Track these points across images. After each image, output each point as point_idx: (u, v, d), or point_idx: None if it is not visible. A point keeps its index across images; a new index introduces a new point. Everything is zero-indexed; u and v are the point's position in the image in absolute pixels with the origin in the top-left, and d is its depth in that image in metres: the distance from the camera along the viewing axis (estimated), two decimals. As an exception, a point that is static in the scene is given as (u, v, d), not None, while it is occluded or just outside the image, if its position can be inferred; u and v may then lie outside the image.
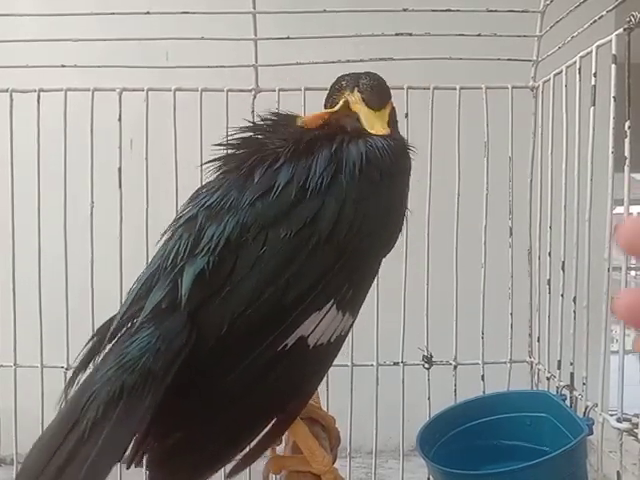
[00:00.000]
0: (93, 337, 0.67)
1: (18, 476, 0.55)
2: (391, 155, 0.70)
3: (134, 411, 0.55)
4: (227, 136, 0.79)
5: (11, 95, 1.21)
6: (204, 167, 0.77)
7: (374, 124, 0.74)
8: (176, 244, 0.64)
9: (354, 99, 0.77)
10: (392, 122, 0.81)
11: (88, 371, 0.62)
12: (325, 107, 0.82)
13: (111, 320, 0.67)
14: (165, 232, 0.70)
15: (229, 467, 0.68)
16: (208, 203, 0.66)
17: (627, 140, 0.83)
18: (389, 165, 0.70)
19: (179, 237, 0.65)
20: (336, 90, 0.80)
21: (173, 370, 0.58)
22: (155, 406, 0.56)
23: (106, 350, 0.62)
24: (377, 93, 0.79)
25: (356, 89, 0.78)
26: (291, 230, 0.62)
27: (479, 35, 1.21)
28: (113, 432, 0.53)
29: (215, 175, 0.74)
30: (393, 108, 0.83)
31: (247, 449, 0.67)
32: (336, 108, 0.77)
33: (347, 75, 0.81)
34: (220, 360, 0.61)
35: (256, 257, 0.61)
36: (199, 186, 0.75)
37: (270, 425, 0.66)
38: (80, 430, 0.54)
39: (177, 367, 0.58)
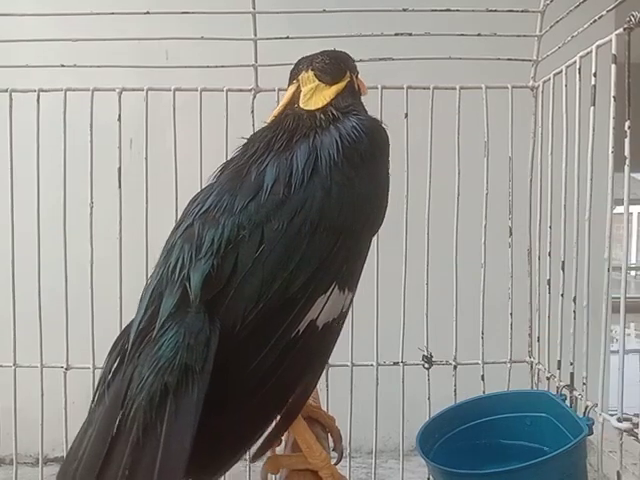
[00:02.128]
0: (113, 349, 0.67)
1: None
2: (364, 134, 0.73)
3: (186, 407, 0.56)
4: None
5: (11, 95, 1.21)
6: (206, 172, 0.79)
7: (310, 99, 0.79)
8: (179, 254, 0.66)
9: (307, 76, 0.82)
10: (347, 95, 0.82)
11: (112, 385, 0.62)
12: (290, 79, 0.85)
13: (125, 331, 0.68)
14: (166, 242, 0.71)
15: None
16: (203, 210, 0.69)
17: (627, 140, 0.83)
18: (366, 145, 0.72)
19: (180, 248, 0.66)
20: (295, 72, 0.84)
21: (210, 361, 0.59)
22: (203, 399, 0.56)
23: (122, 361, 0.63)
24: (329, 68, 0.82)
25: (310, 67, 0.82)
26: (283, 222, 0.65)
27: (479, 35, 1.21)
28: (171, 432, 0.54)
29: (212, 180, 0.76)
30: (351, 80, 0.84)
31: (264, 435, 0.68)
32: (291, 91, 0.82)
33: (305, 57, 0.85)
34: (238, 354, 0.62)
35: (256, 252, 0.63)
36: (195, 192, 0.76)
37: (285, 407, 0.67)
38: (131, 439, 0.54)
39: (213, 357, 0.59)
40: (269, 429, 0.68)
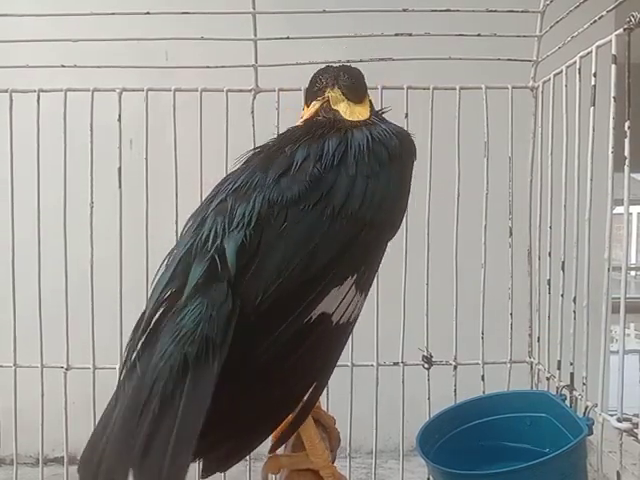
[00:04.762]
0: (137, 324, 0.67)
1: (88, 467, 0.55)
2: (396, 137, 0.76)
3: (204, 378, 0.56)
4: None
5: (11, 95, 1.21)
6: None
7: (353, 112, 0.81)
8: (212, 226, 0.67)
9: (335, 96, 0.82)
10: (373, 112, 0.85)
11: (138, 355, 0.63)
12: (307, 105, 0.86)
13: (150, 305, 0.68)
14: (194, 215, 0.73)
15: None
16: (235, 186, 0.70)
17: (627, 140, 0.83)
18: (395, 146, 0.75)
19: (213, 220, 0.68)
20: (317, 88, 0.85)
21: (229, 334, 0.59)
22: (220, 371, 0.57)
23: (149, 332, 0.63)
24: (356, 88, 0.84)
25: (335, 85, 0.83)
26: (309, 203, 0.66)
27: (479, 35, 1.21)
28: (189, 403, 0.55)
29: (239, 165, 0.77)
30: (370, 101, 0.87)
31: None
32: (316, 107, 0.82)
33: (324, 72, 0.86)
34: (251, 333, 0.62)
35: (280, 230, 0.65)
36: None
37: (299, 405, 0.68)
38: (152, 409, 0.54)
39: (232, 331, 0.59)
40: (280, 424, 0.68)
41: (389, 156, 0.73)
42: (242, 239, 0.64)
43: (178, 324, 0.60)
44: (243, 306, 0.61)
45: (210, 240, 0.65)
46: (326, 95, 0.82)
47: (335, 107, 0.81)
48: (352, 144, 0.72)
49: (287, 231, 0.65)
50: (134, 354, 0.62)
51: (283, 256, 0.63)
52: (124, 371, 0.62)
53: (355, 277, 0.67)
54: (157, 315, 0.64)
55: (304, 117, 0.83)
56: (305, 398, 0.67)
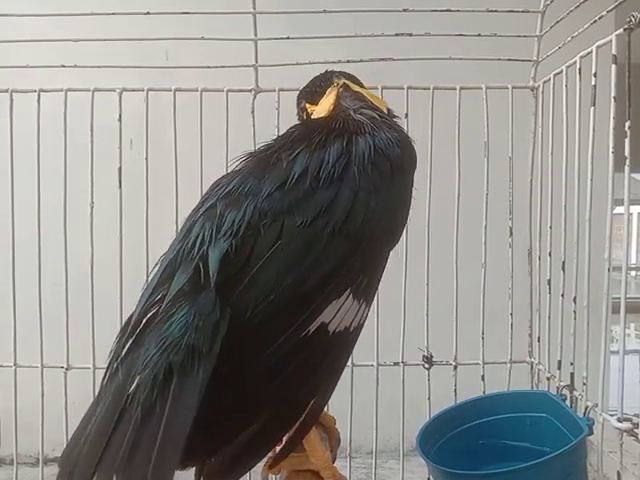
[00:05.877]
0: (127, 325, 0.66)
1: (66, 466, 0.56)
2: (399, 147, 0.74)
3: (190, 388, 0.55)
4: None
5: (11, 95, 1.21)
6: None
7: (371, 95, 0.85)
8: (199, 232, 0.66)
9: (347, 82, 0.85)
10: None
11: (122, 360, 0.62)
12: (310, 102, 0.88)
13: (138, 308, 0.67)
14: (186, 220, 0.72)
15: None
16: (226, 191, 0.69)
17: (627, 140, 0.83)
18: (398, 157, 0.73)
19: (201, 225, 0.67)
20: (319, 83, 0.88)
21: (217, 344, 0.58)
22: (207, 382, 0.56)
23: (134, 337, 0.63)
24: (356, 81, 0.88)
25: (342, 77, 0.87)
26: (307, 219, 0.64)
27: (479, 35, 1.21)
28: (173, 412, 0.54)
29: (234, 168, 0.76)
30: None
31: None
32: (334, 92, 0.83)
33: (320, 75, 0.90)
34: (246, 343, 0.61)
35: (274, 243, 0.63)
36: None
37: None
38: (133, 418, 0.54)
39: (220, 341, 0.58)
40: (283, 436, 0.67)
41: (391, 169, 0.72)
42: (227, 248, 0.62)
43: (164, 332, 0.59)
44: (235, 317, 0.60)
45: (196, 247, 0.64)
46: (340, 82, 0.84)
47: (355, 90, 0.83)
48: (353, 157, 0.70)
49: (282, 245, 0.63)
50: (118, 359, 0.61)
51: (277, 271, 0.62)
52: (107, 374, 0.62)
53: (353, 287, 0.66)
54: (144, 320, 0.63)
55: (327, 109, 0.83)
56: (309, 407, 0.66)
